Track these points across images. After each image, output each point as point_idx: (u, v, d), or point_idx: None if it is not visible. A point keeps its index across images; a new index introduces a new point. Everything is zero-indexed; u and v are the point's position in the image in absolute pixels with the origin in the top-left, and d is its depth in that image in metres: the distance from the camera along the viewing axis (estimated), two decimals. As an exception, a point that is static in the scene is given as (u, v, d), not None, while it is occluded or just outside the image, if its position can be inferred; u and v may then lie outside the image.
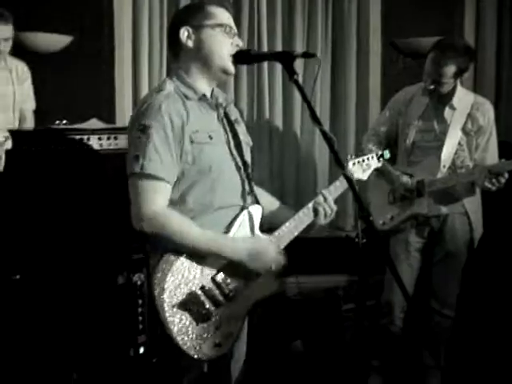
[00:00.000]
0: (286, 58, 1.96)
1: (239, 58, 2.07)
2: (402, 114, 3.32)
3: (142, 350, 3.02)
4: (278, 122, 4.37)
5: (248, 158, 2.18)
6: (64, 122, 3.21)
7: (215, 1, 2.11)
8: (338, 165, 1.83)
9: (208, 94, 2.10)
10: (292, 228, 2.18)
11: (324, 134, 1.86)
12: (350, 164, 2.41)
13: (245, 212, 2.10)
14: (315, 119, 1.87)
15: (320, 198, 2.22)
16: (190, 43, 2.05)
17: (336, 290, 4.02)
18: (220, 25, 2.05)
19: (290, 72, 1.93)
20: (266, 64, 4.19)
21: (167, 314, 1.94)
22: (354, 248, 3.01)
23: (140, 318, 3.00)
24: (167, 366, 2.09)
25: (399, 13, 4.46)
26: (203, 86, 2.08)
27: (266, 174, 4.36)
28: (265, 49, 4.23)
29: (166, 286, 1.94)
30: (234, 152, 2.11)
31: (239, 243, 2.04)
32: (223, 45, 2.05)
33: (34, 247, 2.96)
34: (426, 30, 4.30)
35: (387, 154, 2.52)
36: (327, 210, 2.21)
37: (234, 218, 2.08)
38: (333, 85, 4.47)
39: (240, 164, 2.12)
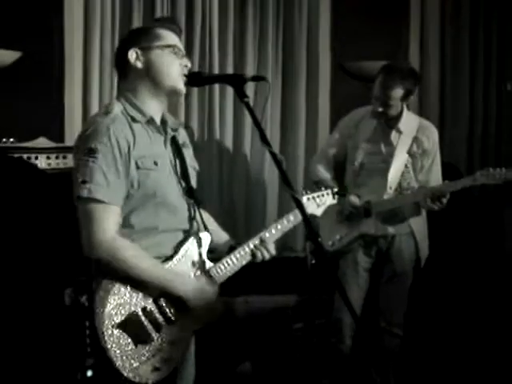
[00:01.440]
0: (237, 81, 1.98)
1: (190, 80, 2.08)
2: (350, 137, 3.38)
3: (89, 374, 2.96)
4: (228, 142, 4.38)
5: (194, 183, 2.19)
6: (11, 140, 3.16)
7: (163, 25, 2.13)
8: (287, 185, 1.84)
9: (157, 117, 2.10)
10: (230, 268, 2.17)
11: (273, 155, 1.88)
12: (304, 199, 2.37)
13: (192, 238, 2.10)
14: (264, 141, 1.89)
15: (257, 241, 2.19)
16: (139, 64, 2.05)
17: (285, 309, 4.03)
18: (168, 46, 2.06)
19: (240, 95, 1.95)
20: (217, 86, 4.21)
21: (106, 334, 1.92)
22: (303, 268, 3.04)
23: (87, 340, 2.95)
24: None
25: (348, 37, 4.55)
26: (152, 107, 2.08)
27: (215, 194, 4.34)
28: (216, 71, 4.24)
29: (106, 306, 1.93)
30: (180, 177, 2.11)
31: (184, 278, 2.05)
32: (172, 65, 2.05)
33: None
34: (373, 52, 4.39)
35: (342, 192, 2.52)
36: (264, 255, 2.19)
37: (180, 243, 2.08)
38: (283, 106, 4.51)
39: (185, 189, 2.12)
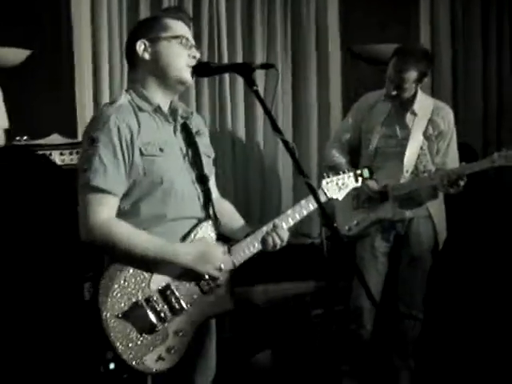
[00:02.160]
0: (245, 70, 1.97)
1: (199, 70, 2.07)
2: (364, 121, 3.36)
3: (112, 366, 2.98)
4: (241, 132, 4.37)
5: (208, 170, 2.17)
6: (25, 138, 3.18)
7: (171, 14, 2.12)
8: (300, 174, 1.84)
9: (164, 106, 2.10)
10: (245, 254, 2.14)
11: (285, 143, 1.87)
12: (324, 182, 2.30)
13: (205, 223, 2.09)
14: (276, 129, 1.88)
15: (269, 227, 2.14)
16: (147, 56, 2.06)
17: (304, 296, 4.03)
18: (176, 36, 2.06)
19: (249, 83, 1.94)
20: (227, 74, 4.20)
21: (109, 323, 1.93)
22: (320, 255, 3.04)
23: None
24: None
25: (356, 20, 4.51)
26: (159, 97, 2.08)
27: (230, 184, 4.34)
28: (225, 61, 4.23)
29: (110, 295, 1.94)
30: (191, 164, 2.10)
31: (186, 247, 2.04)
32: (180, 56, 2.05)
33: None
34: (384, 36, 4.36)
35: (366, 173, 2.38)
36: (276, 241, 2.13)
37: (190, 231, 2.07)
38: (294, 94, 4.49)
39: (196, 176, 2.11)
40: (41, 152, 2.97)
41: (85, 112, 4.05)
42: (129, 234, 1.96)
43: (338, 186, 2.31)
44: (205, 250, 2.04)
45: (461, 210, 3.75)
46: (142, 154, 1.98)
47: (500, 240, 4.11)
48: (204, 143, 2.20)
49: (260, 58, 4.36)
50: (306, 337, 3.81)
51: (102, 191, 1.94)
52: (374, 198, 3.26)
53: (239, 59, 4.31)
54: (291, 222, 2.19)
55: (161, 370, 1.99)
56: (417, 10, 4.65)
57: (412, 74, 3.13)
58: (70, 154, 3.03)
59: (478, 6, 4.62)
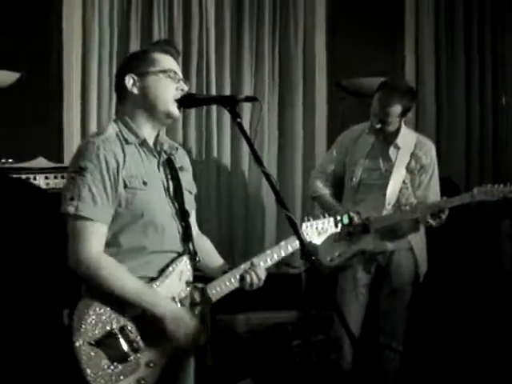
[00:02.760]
0: (230, 102, 2.00)
1: (184, 102, 2.09)
2: (348, 153, 3.39)
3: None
4: (226, 162, 4.38)
5: (189, 206, 2.18)
6: (10, 160, 3.18)
7: (160, 48, 2.15)
8: (282, 206, 1.86)
9: (150, 140, 2.12)
10: (221, 290, 2.15)
11: (266, 175, 1.90)
12: (304, 226, 2.30)
13: (183, 258, 2.11)
14: (258, 161, 1.90)
15: (248, 265, 2.16)
16: (135, 90, 2.08)
17: (285, 325, 4.03)
18: (164, 71, 2.08)
19: (233, 115, 1.97)
20: (214, 107, 4.23)
21: (81, 349, 1.92)
22: (300, 284, 3.05)
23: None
24: None
25: (344, 54, 4.58)
26: (147, 130, 2.10)
27: (214, 214, 4.34)
28: (213, 89, 4.26)
29: (84, 322, 1.94)
30: (172, 199, 2.11)
31: (167, 302, 2.03)
32: (167, 90, 2.07)
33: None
34: (370, 69, 4.41)
35: (346, 219, 2.38)
36: (253, 279, 2.14)
37: (168, 264, 2.08)
38: (280, 123, 4.52)
39: (177, 211, 2.12)
40: (25, 175, 2.96)
41: (72, 137, 4.06)
42: (116, 274, 1.97)
43: (318, 231, 2.32)
44: (184, 319, 2.04)
45: (442, 243, 3.78)
46: (125, 186, 2.00)
47: (481, 273, 4.14)
48: (187, 179, 2.22)
49: (248, 86, 4.40)
50: (286, 366, 3.80)
51: (92, 221, 1.95)
52: (355, 230, 3.28)
53: (227, 87, 4.35)
54: (269, 262, 2.20)
55: None
56: (402, 43, 4.73)
57: (396, 109, 3.17)
58: (55, 177, 3.04)
59: (461, 40, 4.71)
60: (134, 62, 2.12)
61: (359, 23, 4.61)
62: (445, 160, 4.49)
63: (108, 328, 1.97)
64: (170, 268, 2.07)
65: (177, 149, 2.19)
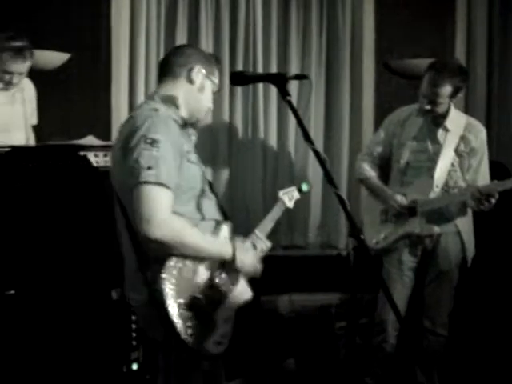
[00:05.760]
0: (279, 80, 2.01)
1: (234, 79, 2.13)
2: (396, 135, 3.36)
3: (135, 367, 3.02)
4: (273, 141, 4.40)
5: None
6: (62, 139, 3.25)
7: (217, 65, 2.36)
8: (330, 184, 1.86)
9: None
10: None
11: (316, 153, 1.90)
12: (280, 193, 2.62)
13: (222, 227, 2.24)
14: (308, 139, 1.91)
15: (254, 236, 2.40)
16: (197, 83, 2.22)
17: (329, 307, 4.03)
18: (215, 84, 2.29)
19: (283, 93, 1.98)
20: (261, 84, 4.23)
21: (174, 313, 2.02)
22: (346, 266, 3.04)
23: (133, 334, 3.01)
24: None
25: (392, 34, 4.50)
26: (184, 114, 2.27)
27: (259, 193, 4.37)
28: (260, 69, 4.27)
29: (173, 288, 2.04)
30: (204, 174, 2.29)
31: (244, 251, 2.22)
32: (210, 103, 2.30)
33: (30, 262, 2.97)
34: (419, 50, 4.35)
35: (305, 187, 2.69)
36: (263, 246, 2.38)
37: (213, 231, 2.22)
38: (327, 105, 4.50)
39: (208, 183, 2.30)
40: (75, 153, 3.02)
41: (119, 116, 4.13)
42: (194, 234, 2.10)
43: (289, 197, 2.65)
44: (248, 251, 2.26)
45: (490, 228, 3.72)
46: (186, 160, 2.14)
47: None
48: None
49: (294, 68, 4.39)
50: (329, 348, 3.81)
51: (168, 188, 2.04)
52: (402, 213, 3.25)
53: (274, 68, 4.35)
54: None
55: (219, 353, 2.15)
56: (453, 23, 4.62)
57: (446, 89, 3.12)
58: (104, 156, 3.08)
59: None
60: (205, 60, 2.26)
61: (408, 2, 4.52)
62: (496, 144, 4.40)
63: (193, 291, 2.09)
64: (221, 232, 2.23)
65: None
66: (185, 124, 2.23)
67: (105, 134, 3.90)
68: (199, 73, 2.21)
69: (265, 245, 2.39)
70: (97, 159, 3.06)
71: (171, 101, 2.20)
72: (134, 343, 3.01)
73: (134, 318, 2.99)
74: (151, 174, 2.01)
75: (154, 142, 2.04)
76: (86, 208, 3.01)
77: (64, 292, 2.96)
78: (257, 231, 2.42)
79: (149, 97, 2.32)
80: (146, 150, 2.03)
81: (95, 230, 3.00)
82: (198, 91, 2.23)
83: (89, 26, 4.18)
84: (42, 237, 2.99)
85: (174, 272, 2.05)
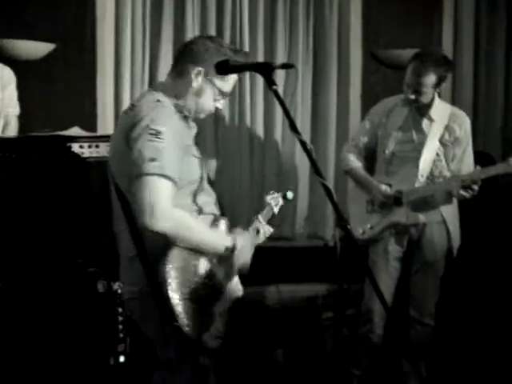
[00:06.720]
0: (265, 69, 1.98)
1: (219, 68, 2.11)
2: (381, 125, 3.36)
3: (122, 359, 3.01)
4: (259, 130, 4.39)
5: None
6: (45, 130, 3.22)
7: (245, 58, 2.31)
8: (317, 174, 1.86)
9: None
10: None
11: (303, 143, 1.89)
12: (268, 198, 2.58)
13: (220, 222, 2.25)
14: (294, 129, 1.90)
15: (257, 222, 2.42)
16: (195, 86, 2.20)
17: (315, 298, 4.04)
18: (216, 87, 2.24)
19: (269, 83, 1.96)
20: (247, 73, 4.22)
21: (176, 304, 2.03)
22: (332, 257, 3.04)
23: (120, 326, 3.00)
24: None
25: (379, 24, 4.50)
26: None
27: (246, 182, 4.37)
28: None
29: (175, 280, 2.05)
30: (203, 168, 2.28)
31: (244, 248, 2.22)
32: (210, 104, 2.26)
33: (14, 255, 2.95)
34: (406, 41, 4.34)
35: (290, 195, 2.67)
36: (266, 231, 2.41)
37: (212, 226, 2.23)
38: (314, 95, 4.50)
39: (208, 178, 2.31)
40: (60, 144, 3.00)
41: (105, 107, 4.12)
42: (196, 226, 2.12)
43: (275, 203, 2.59)
44: (245, 244, 2.24)
45: (475, 218, 3.74)
46: (186, 153, 2.14)
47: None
48: None
49: (281, 57, 4.38)
50: (316, 339, 3.82)
51: (171, 180, 2.04)
52: (387, 203, 3.26)
53: (260, 57, 4.34)
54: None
55: (217, 346, 2.17)
56: (440, 14, 4.62)
57: (430, 78, 3.12)
58: (89, 147, 3.06)
59: (503, 13, 4.58)
60: (216, 59, 2.16)
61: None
62: (481, 135, 4.42)
63: (194, 282, 2.10)
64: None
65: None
66: (186, 116, 2.23)
67: (90, 125, 3.88)
68: (199, 75, 2.18)
69: (268, 229, 2.42)
70: (82, 150, 3.04)
71: (173, 95, 2.19)
72: (121, 335, 3.00)
73: (120, 310, 2.98)
74: (155, 165, 2.01)
75: (157, 134, 2.03)
76: (70, 200, 2.99)
77: (49, 284, 2.94)
78: (260, 216, 2.43)
79: (152, 87, 2.32)
80: (150, 141, 2.02)
81: (80, 221, 2.98)
82: (195, 95, 2.20)
83: (74, 17, 4.14)
84: (26, 229, 2.97)
85: (176, 264, 2.05)
